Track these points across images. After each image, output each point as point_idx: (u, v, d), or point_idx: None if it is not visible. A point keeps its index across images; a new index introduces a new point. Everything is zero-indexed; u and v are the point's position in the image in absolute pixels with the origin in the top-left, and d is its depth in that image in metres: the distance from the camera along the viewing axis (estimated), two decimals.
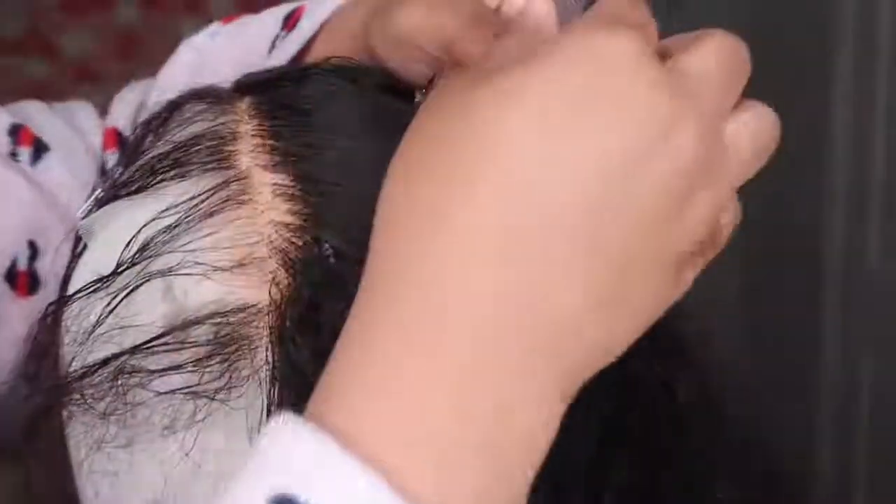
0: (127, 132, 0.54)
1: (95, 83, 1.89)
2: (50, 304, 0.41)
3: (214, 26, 0.54)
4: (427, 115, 0.31)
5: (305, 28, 0.49)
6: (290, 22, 0.50)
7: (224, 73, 0.45)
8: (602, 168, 0.28)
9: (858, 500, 1.93)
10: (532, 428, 0.28)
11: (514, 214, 0.28)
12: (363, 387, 0.28)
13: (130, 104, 0.56)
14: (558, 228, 0.28)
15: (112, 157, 0.54)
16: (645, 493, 0.39)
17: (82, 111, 0.56)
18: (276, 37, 0.50)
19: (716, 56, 0.31)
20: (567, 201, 0.28)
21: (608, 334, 0.30)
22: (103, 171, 0.53)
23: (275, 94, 0.41)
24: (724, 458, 0.43)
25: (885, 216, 1.90)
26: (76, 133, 0.54)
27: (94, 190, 0.44)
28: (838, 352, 2.03)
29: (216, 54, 0.53)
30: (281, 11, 0.51)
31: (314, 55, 0.48)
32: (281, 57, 0.49)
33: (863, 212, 1.94)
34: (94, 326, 0.38)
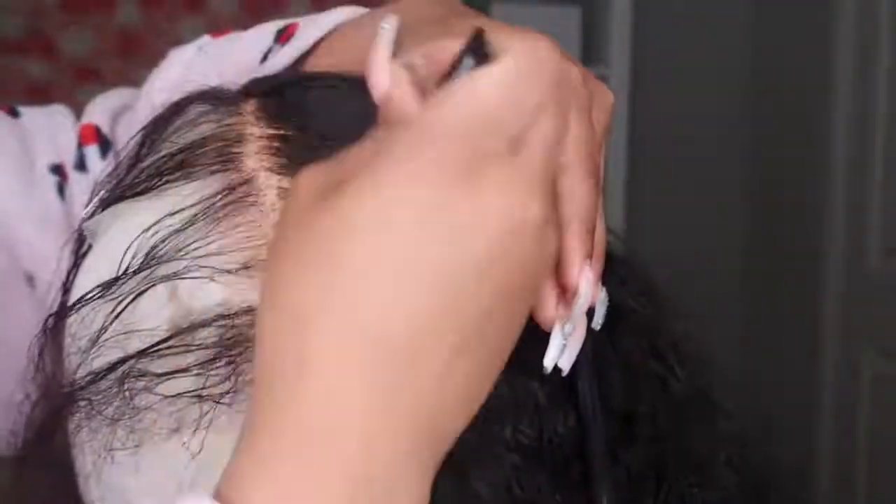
0: (106, 129, 0.54)
1: (95, 83, 1.89)
2: (54, 312, 0.41)
3: (205, 39, 0.54)
4: (283, 240, 0.31)
5: (302, 41, 0.48)
6: (284, 37, 0.49)
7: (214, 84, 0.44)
8: (452, 275, 0.29)
9: (859, 499, 1.93)
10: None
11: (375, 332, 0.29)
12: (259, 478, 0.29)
13: (109, 107, 0.56)
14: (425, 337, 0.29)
15: (92, 151, 0.54)
16: (654, 467, 0.41)
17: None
18: (269, 49, 0.50)
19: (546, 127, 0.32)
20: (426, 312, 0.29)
21: (475, 402, 0.31)
22: (81, 165, 0.53)
23: (281, 96, 0.41)
24: (724, 445, 0.45)
25: (885, 216, 1.90)
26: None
27: (96, 191, 0.44)
28: (838, 352, 2.03)
29: (204, 66, 0.52)
30: (273, 26, 0.51)
31: (314, 66, 0.48)
32: (273, 67, 0.49)
33: (863, 212, 1.94)
34: (99, 332, 0.38)
